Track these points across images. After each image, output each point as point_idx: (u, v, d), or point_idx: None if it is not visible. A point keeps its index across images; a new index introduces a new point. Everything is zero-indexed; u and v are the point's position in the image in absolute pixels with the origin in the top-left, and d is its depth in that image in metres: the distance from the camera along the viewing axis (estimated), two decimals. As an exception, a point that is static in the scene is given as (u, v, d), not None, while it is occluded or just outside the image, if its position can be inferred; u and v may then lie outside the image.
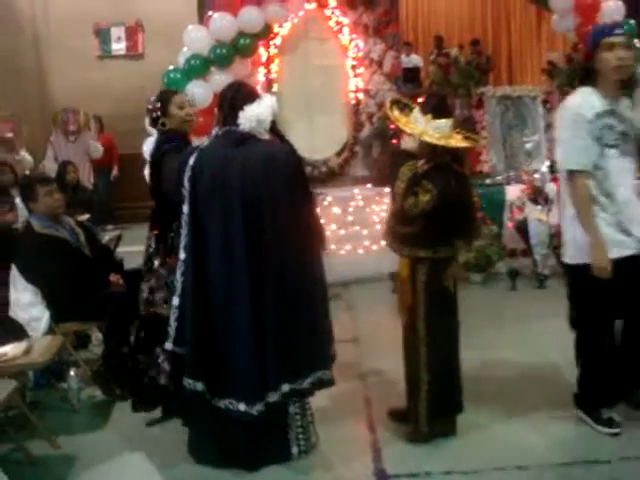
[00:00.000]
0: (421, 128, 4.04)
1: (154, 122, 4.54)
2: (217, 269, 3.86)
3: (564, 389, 4.91)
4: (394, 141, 8.74)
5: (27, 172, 9.92)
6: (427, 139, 4.00)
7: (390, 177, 4.31)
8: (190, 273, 3.89)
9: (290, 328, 3.84)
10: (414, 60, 13.95)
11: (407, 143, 4.29)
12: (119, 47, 13.66)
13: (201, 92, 7.29)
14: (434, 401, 4.21)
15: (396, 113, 4.18)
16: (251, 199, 3.79)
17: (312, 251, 3.95)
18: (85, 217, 7.79)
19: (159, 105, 4.49)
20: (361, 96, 9.11)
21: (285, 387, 3.85)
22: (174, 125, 4.46)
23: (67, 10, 13.22)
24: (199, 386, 3.89)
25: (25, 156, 10.17)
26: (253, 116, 3.88)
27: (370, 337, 5.13)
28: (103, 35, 13.59)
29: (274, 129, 3.99)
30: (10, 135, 10.06)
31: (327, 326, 4.02)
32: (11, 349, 4.61)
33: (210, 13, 7.76)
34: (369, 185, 8.77)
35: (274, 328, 3.81)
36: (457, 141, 4.08)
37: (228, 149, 3.88)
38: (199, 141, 4.29)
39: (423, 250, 4.12)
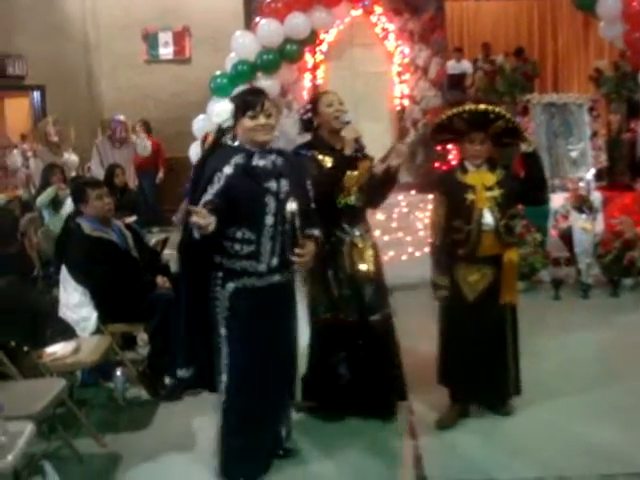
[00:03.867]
0: None
1: (306, 124, 4.65)
2: None
3: (606, 400, 4.90)
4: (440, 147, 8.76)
5: (74, 173, 10.09)
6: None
7: None
8: None
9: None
10: (464, 66, 13.88)
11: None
12: (166, 52, 13.78)
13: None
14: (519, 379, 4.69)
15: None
16: None
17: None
18: (132, 219, 7.91)
19: (310, 106, 4.61)
20: (406, 102, 9.12)
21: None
22: (324, 122, 4.51)
23: (116, 15, 13.42)
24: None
25: (71, 157, 10.32)
26: None
27: (413, 344, 5.13)
28: (151, 40, 13.72)
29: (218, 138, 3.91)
30: (56, 139, 10.23)
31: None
32: (60, 348, 4.73)
33: (257, 19, 7.84)
34: (413, 192, 8.79)
35: None
36: None
37: None
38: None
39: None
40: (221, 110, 3.77)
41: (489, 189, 4.45)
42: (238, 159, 3.71)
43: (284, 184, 3.77)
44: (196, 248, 3.68)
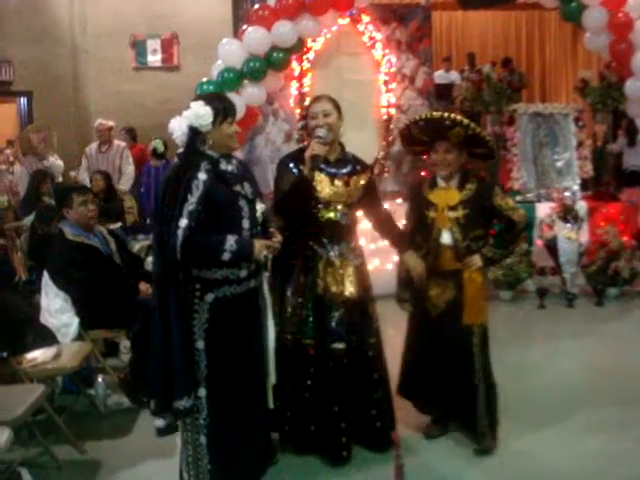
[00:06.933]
0: None
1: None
2: None
3: (591, 409, 4.90)
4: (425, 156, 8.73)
5: (60, 179, 10.05)
6: None
7: None
8: None
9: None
10: (452, 76, 13.91)
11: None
12: (155, 59, 13.78)
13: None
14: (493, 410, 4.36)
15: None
16: None
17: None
18: (117, 225, 7.87)
19: (305, 114, 4.63)
20: (393, 111, 9.10)
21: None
22: (310, 133, 4.38)
23: (105, 22, 13.41)
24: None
25: (55, 161, 10.25)
26: None
27: (398, 352, 5.11)
28: (139, 47, 13.72)
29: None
30: (42, 145, 10.16)
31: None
32: (41, 354, 4.70)
33: (244, 27, 7.82)
34: (399, 200, 8.77)
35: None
36: None
37: None
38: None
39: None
40: (205, 113, 3.67)
41: (452, 209, 4.28)
42: (206, 165, 3.62)
43: (247, 187, 3.75)
44: (177, 269, 3.58)
